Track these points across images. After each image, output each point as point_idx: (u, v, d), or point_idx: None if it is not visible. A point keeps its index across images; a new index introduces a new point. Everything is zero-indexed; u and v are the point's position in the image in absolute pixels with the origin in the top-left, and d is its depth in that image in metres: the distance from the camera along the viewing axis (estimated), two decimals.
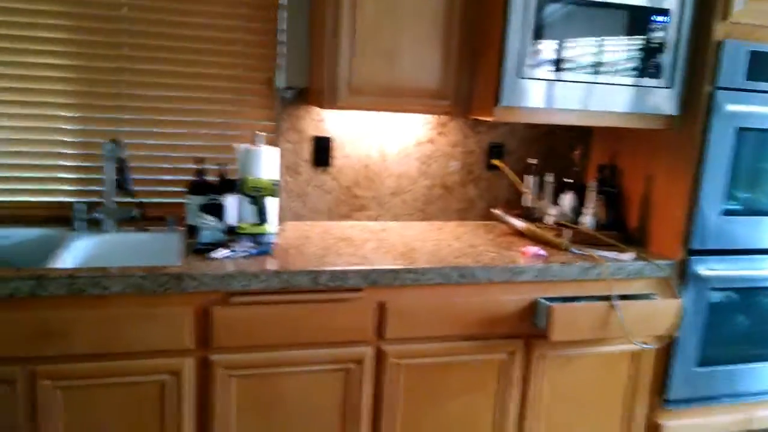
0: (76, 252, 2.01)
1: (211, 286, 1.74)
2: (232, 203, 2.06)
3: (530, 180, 2.50)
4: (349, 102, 2.06)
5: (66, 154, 2.21)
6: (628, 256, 2.13)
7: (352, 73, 2.04)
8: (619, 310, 2.01)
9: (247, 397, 1.85)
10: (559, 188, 2.47)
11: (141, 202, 2.22)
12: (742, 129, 2.12)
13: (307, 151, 2.42)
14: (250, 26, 2.28)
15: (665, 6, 2.06)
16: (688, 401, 2.30)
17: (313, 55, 2.26)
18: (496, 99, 2.01)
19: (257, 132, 2.10)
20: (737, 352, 2.32)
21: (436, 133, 2.54)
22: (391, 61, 2.06)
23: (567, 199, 2.41)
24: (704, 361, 2.28)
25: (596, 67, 2.05)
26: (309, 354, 1.87)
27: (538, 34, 1.98)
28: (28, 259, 2.09)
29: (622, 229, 2.40)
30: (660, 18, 2.07)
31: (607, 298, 2.04)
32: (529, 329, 2.05)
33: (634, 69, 2.08)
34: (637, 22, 2.05)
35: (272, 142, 2.34)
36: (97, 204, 2.17)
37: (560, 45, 2.01)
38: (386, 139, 2.49)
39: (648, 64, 2.10)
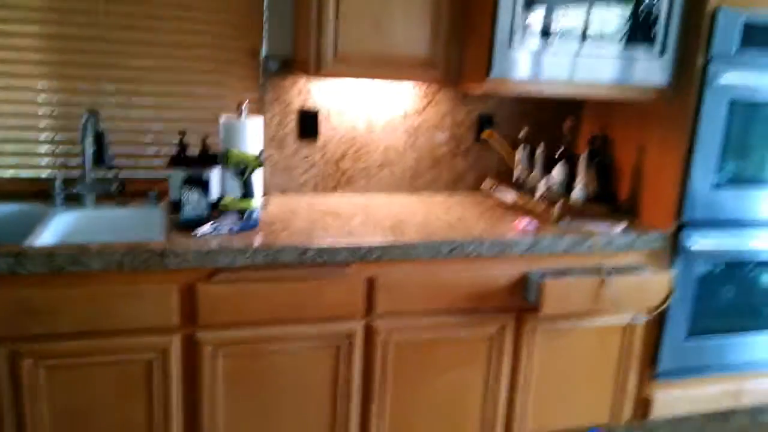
0: (56, 228, 1.95)
1: (196, 263, 1.69)
2: (215, 177, 2.01)
3: (520, 152, 2.47)
4: (335, 69, 2.00)
5: (43, 127, 2.14)
6: (618, 228, 2.11)
7: (339, 40, 1.97)
8: (610, 283, 1.99)
9: (235, 375, 1.82)
10: (550, 160, 2.44)
11: (121, 177, 2.16)
12: (735, 100, 2.09)
13: (292, 123, 2.36)
14: None
15: None
16: (677, 373, 2.30)
17: (298, 23, 2.19)
18: (487, 70, 1.96)
19: (242, 102, 2.03)
20: (726, 324, 2.33)
21: (424, 105, 2.49)
22: (379, 28, 2.00)
23: (557, 171, 2.38)
24: (693, 333, 2.28)
25: (588, 38, 2.00)
26: (297, 330, 1.84)
27: (530, 2, 1.92)
28: (6, 236, 2.03)
29: (612, 200, 2.38)
30: None
31: (598, 271, 2.03)
32: (519, 303, 2.04)
33: (625, 39, 2.04)
34: None
35: (257, 114, 2.28)
36: (76, 179, 2.11)
37: (551, 14, 1.95)
38: (373, 110, 2.44)
39: (640, 34, 2.05)
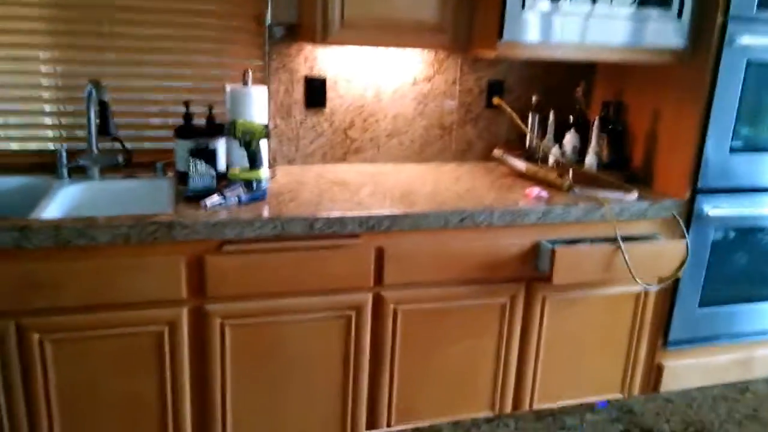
0: (61, 201, 1.93)
1: (204, 235, 1.67)
2: (222, 148, 1.98)
3: (531, 119, 2.42)
4: (342, 37, 1.95)
5: (47, 98, 2.11)
6: (632, 196, 2.07)
7: (345, 5, 1.92)
8: (623, 251, 1.96)
9: (244, 347, 1.81)
10: (562, 127, 2.39)
11: (127, 148, 2.13)
12: (751, 62, 2.03)
13: (299, 91, 2.32)
14: None
15: None
16: (689, 341, 2.29)
17: None
18: (499, 33, 1.90)
19: (247, 70, 1.99)
20: (737, 293, 2.30)
21: (433, 72, 2.44)
22: None
23: (569, 138, 2.33)
24: (705, 302, 2.26)
25: None
26: (306, 302, 1.83)
27: None
28: (11, 209, 2.01)
29: (625, 167, 2.33)
30: None
31: (611, 239, 2.00)
32: (530, 272, 2.01)
33: (638, 0, 1.97)
34: None
35: (262, 83, 2.24)
36: (82, 151, 2.08)
37: None
38: (381, 78, 2.39)
39: None
